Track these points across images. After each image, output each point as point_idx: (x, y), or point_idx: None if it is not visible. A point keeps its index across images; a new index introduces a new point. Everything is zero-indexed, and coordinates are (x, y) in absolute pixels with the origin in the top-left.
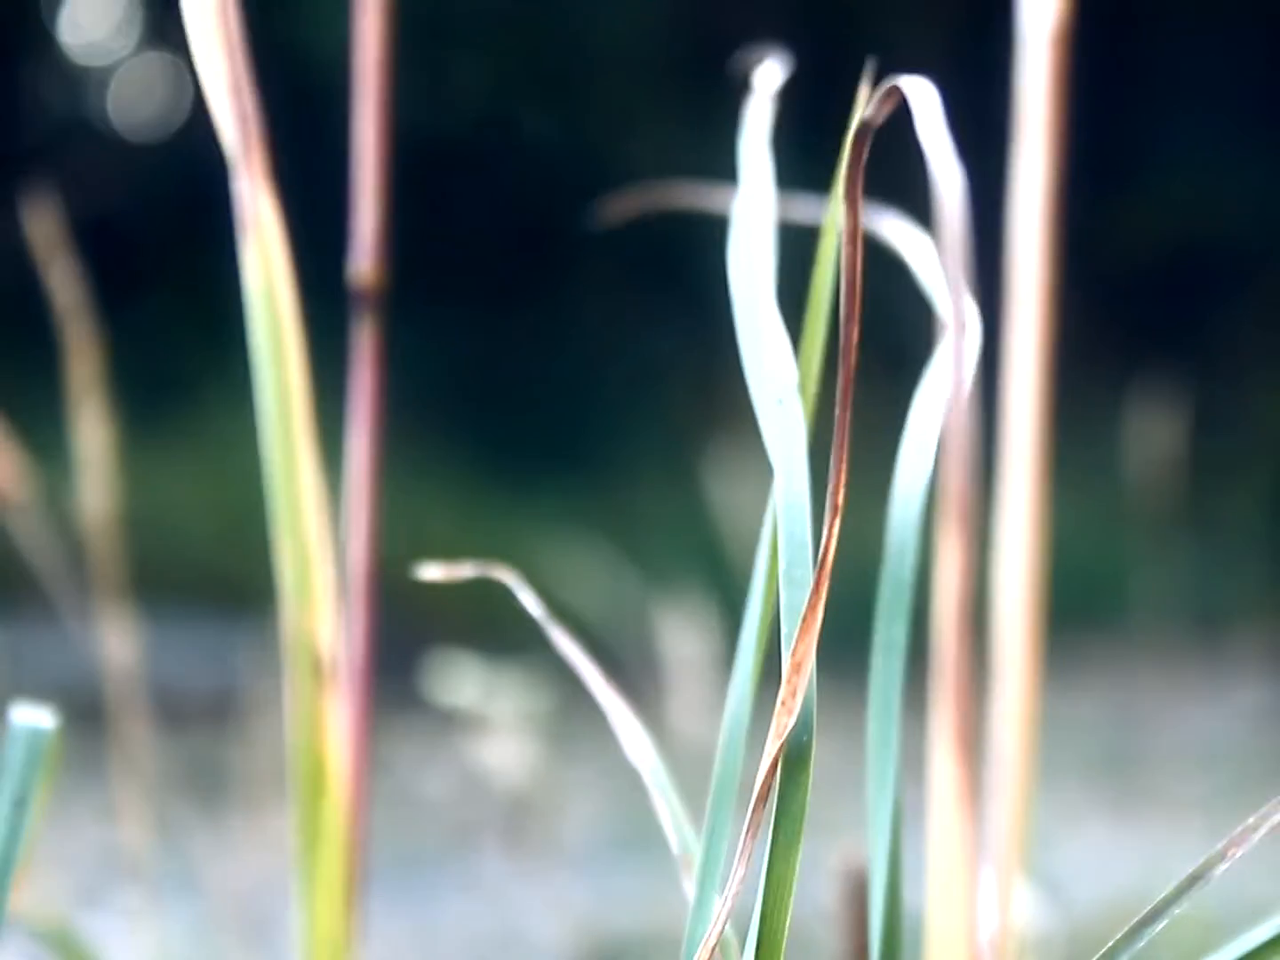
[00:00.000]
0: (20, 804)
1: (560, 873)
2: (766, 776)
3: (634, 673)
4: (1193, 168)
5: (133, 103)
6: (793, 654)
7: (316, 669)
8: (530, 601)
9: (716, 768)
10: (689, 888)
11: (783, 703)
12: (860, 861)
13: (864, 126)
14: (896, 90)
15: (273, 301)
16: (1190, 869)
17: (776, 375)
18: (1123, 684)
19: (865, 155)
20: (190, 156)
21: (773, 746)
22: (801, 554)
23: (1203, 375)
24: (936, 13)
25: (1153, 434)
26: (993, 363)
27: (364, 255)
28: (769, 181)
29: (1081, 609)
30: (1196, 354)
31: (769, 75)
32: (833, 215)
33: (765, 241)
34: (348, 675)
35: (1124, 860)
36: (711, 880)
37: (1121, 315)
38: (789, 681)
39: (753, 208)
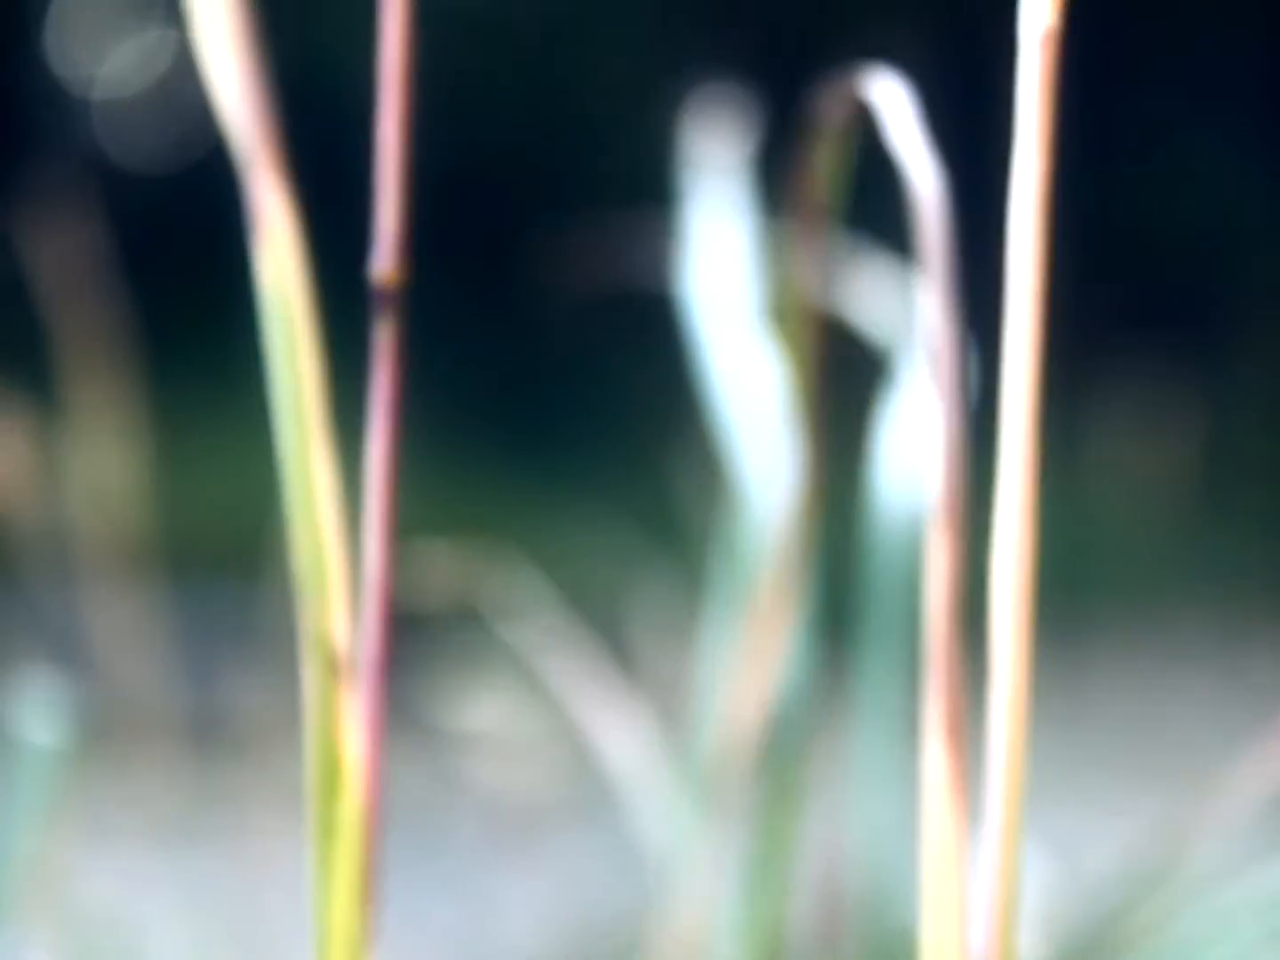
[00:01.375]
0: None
1: (554, 877)
2: (746, 750)
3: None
4: (1194, 166)
5: (140, 136)
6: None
7: (332, 666)
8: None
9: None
10: (655, 877)
11: (755, 652)
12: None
13: (826, 128)
14: (857, 93)
15: (287, 304)
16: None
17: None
18: (1139, 668)
19: (825, 155)
20: (200, 190)
21: (749, 708)
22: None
23: (1214, 373)
24: (930, 14)
25: (1167, 428)
26: (990, 368)
27: (386, 252)
28: (726, 182)
29: (1097, 595)
30: (1205, 351)
31: (723, 105)
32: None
33: (734, 264)
34: (363, 672)
35: (1137, 855)
36: (687, 865)
37: (1132, 309)
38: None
39: (716, 224)
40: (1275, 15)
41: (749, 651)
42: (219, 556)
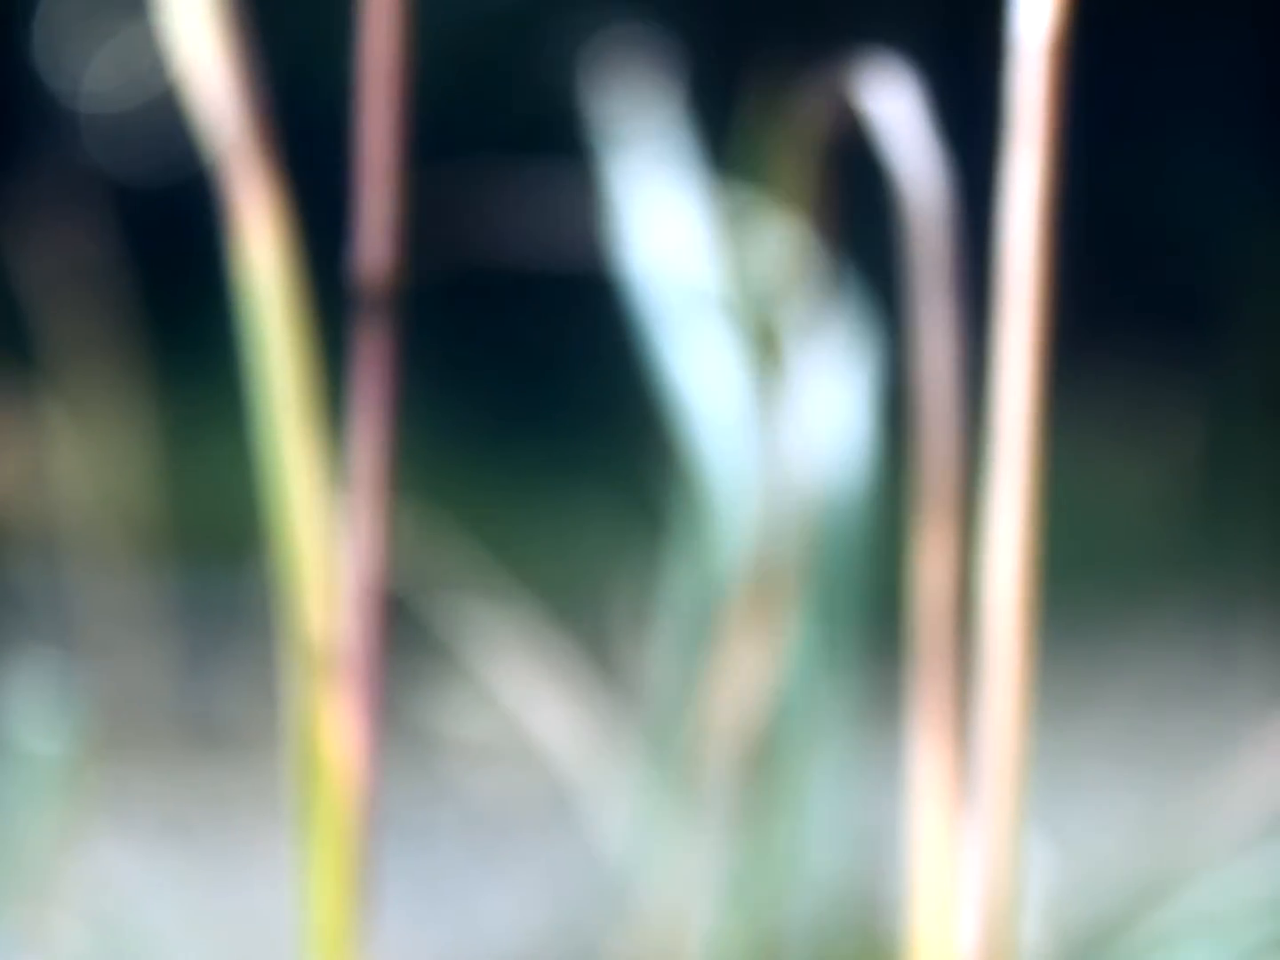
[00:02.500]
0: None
1: (546, 878)
2: (726, 745)
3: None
4: (1193, 171)
5: (130, 146)
6: (743, 593)
7: (316, 665)
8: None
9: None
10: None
11: (739, 639)
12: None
13: (827, 120)
14: (851, 91)
15: (269, 300)
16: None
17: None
18: (1135, 668)
19: (826, 147)
20: (191, 201)
21: (733, 699)
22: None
23: (1209, 380)
24: (915, 17)
25: (1163, 426)
26: (980, 370)
27: (374, 247)
28: (655, 164)
29: (1088, 593)
30: (1199, 358)
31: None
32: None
33: (668, 233)
34: (354, 670)
35: (1128, 858)
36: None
37: (1130, 313)
38: (746, 617)
39: (646, 196)
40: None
41: (733, 648)
42: (220, 547)
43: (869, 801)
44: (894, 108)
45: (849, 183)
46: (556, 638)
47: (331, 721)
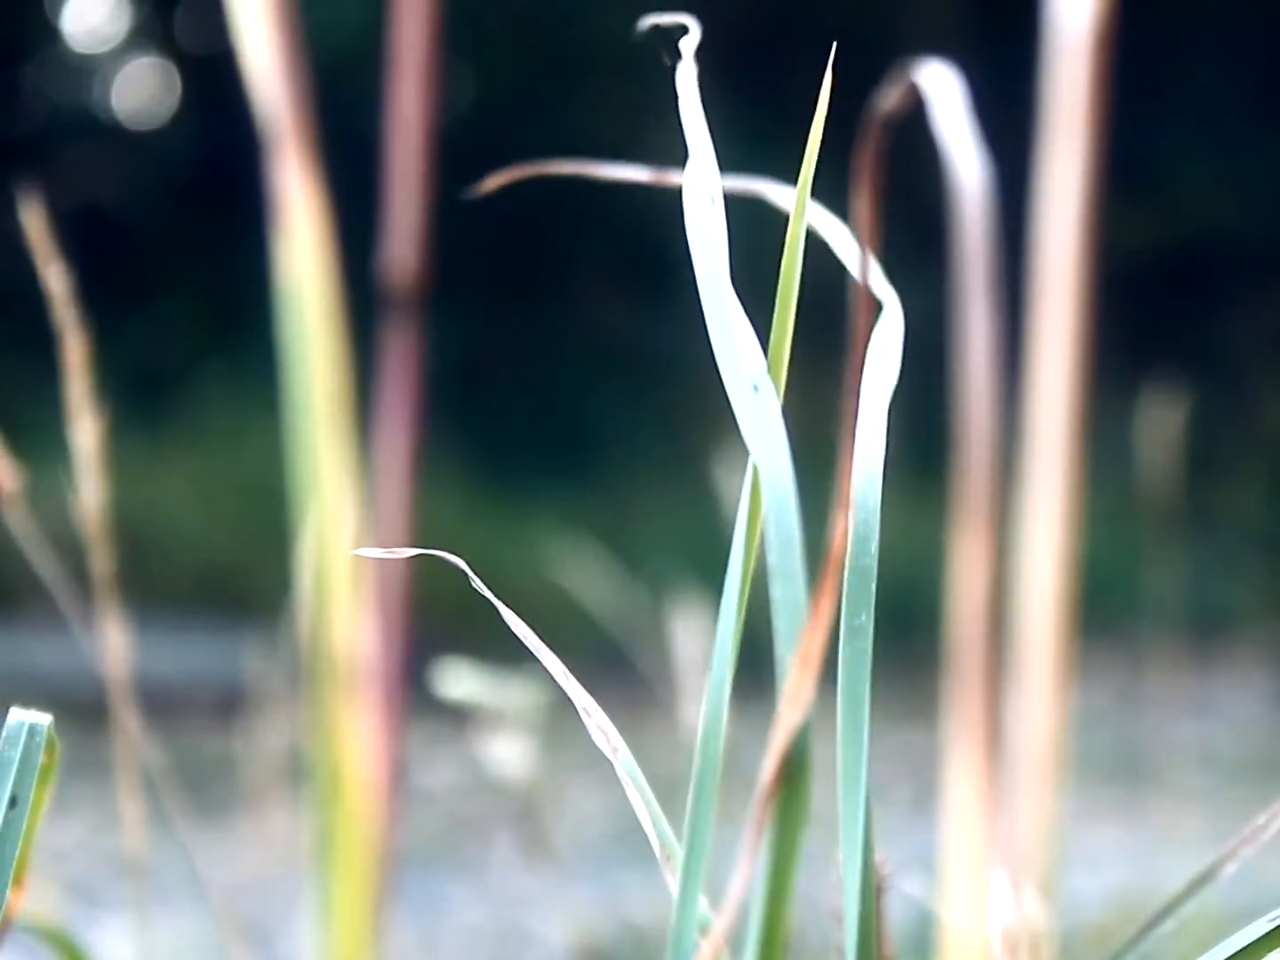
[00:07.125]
0: (15, 803)
1: (563, 867)
2: (776, 774)
3: (648, 672)
4: (1199, 169)
5: (136, 91)
6: (800, 648)
7: (338, 672)
8: (483, 587)
9: (697, 763)
10: (672, 884)
11: (789, 699)
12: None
13: (881, 116)
14: (914, 84)
15: (308, 295)
16: (1193, 866)
17: (747, 361)
18: (1124, 679)
19: (881, 145)
20: (194, 145)
21: (780, 742)
22: (791, 544)
23: (1206, 375)
24: (952, 11)
25: (1157, 433)
26: (1015, 358)
27: (404, 251)
28: (711, 157)
29: (1084, 606)
30: (1200, 354)
31: (688, 42)
32: (801, 202)
33: (718, 222)
34: (375, 679)
35: (1123, 856)
36: (694, 878)
37: (1125, 314)
38: (796, 676)
39: (703, 187)
40: None
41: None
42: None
43: (905, 805)
44: (938, 99)
45: (890, 174)
46: (609, 631)
47: (348, 726)
